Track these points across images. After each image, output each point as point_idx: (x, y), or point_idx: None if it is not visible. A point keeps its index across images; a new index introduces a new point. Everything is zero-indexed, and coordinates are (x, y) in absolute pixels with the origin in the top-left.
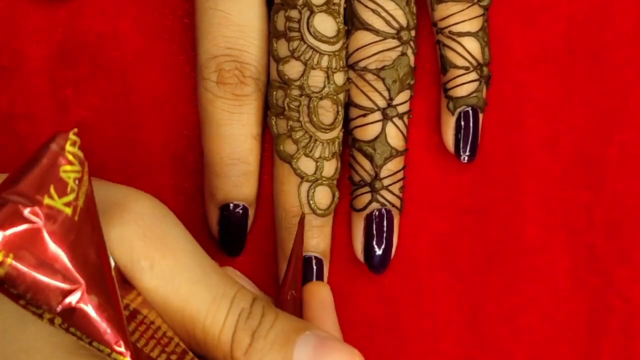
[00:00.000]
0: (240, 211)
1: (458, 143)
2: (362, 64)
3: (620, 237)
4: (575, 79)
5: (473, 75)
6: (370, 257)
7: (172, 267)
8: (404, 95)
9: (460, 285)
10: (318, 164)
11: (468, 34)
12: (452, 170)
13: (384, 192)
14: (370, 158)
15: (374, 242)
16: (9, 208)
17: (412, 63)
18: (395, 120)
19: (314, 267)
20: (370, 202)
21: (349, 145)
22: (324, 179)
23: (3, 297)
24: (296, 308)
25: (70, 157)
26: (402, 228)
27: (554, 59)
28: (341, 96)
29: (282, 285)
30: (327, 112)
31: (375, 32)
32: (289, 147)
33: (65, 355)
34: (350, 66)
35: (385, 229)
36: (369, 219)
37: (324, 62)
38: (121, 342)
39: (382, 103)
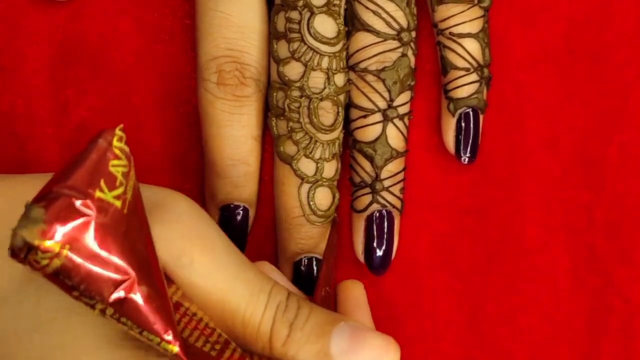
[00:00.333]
0: (241, 212)
1: (459, 144)
2: (362, 65)
3: (620, 237)
4: (575, 79)
5: (473, 77)
6: (370, 258)
7: (210, 264)
8: (405, 97)
9: (460, 285)
10: (318, 165)
11: (468, 35)
12: (452, 171)
13: (384, 193)
14: (370, 159)
15: (375, 243)
16: (63, 201)
17: (412, 64)
18: (396, 121)
19: (314, 267)
20: (370, 203)
21: (350, 147)
22: (324, 180)
23: (50, 289)
24: (330, 304)
25: (118, 152)
26: (403, 228)
27: (554, 59)
28: (341, 97)
29: (316, 282)
30: (328, 113)
31: (376, 33)
32: (289, 148)
33: (108, 346)
34: (350, 67)
35: (385, 230)
36: (369, 220)
37: (325, 63)
38: (170, 332)
39: (382, 104)
